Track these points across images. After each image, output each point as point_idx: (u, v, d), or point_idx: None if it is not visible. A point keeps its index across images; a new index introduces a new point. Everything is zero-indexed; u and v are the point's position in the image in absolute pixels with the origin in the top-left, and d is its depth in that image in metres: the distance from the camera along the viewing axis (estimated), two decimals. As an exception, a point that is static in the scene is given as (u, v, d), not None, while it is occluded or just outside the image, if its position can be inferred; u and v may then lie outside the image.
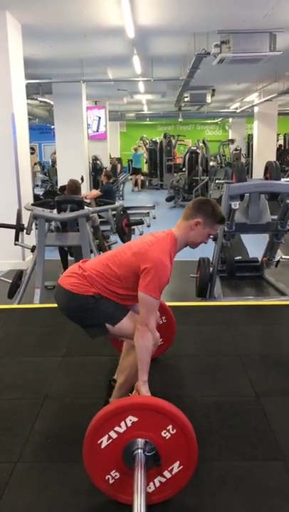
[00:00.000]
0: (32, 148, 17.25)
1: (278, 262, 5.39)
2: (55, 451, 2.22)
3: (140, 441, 1.80)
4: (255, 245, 6.13)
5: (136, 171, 17.93)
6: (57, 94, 11.12)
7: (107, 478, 1.85)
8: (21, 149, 6.38)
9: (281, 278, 5.41)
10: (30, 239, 5.71)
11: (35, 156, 20.11)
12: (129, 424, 1.79)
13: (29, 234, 5.05)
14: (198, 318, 3.86)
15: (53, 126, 14.12)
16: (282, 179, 4.77)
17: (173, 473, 1.83)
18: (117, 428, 1.79)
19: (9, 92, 6.04)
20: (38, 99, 11.43)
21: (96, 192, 9.24)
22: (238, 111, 17.66)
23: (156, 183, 17.83)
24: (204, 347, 3.34)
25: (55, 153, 13.96)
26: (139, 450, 1.79)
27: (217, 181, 12.18)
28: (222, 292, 4.95)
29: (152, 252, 2.16)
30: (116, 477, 1.84)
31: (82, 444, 2.25)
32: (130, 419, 1.79)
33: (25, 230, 4.98)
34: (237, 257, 5.43)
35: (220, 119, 22.50)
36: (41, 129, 21.65)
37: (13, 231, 4.93)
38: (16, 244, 5.00)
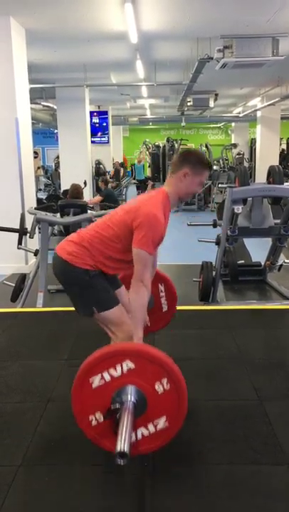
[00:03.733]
0: (35, 153, 17.30)
1: (281, 266, 5.39)
2: (58, 454, 2.22)
3: (132, 389, 1.78)
4: (257, 249, 6.13)
5: (140, 183, 17.19)
6: (60, 99, 11.17)
7: (90, 418, 1.82)
8: (25, 153, 6.40)
9: (284, 282, 5.40)
10: (33, 243, 5.72)
11: (38, 160, 20.17)
12: (125, 369, 1.77)
13: (32, 238, 5.06)
14: (200, 322, 3.86)
15: (56, 131, 14.17)
16: (285, 183, 4.76)
17: (157, 428, 1.81)
18: (111, 370, 1.78)
19: (13, 96, 6.07)
20: (42, 103, 11.49)
21: (98, 198, 9.32)
22: (240, 115, 17.67)
23: (159, 187, 17.76)
24: (206, 351, 3.34)
25: (58, 157, 14.00)
26: (129, 397, 1.77)
27: (220, 185, 12.16)
28: (225, 296, 4.95)
29: (144, 208, 2.18)
30: (99, 420, 1.81)
31: (85, 448, 2.25)
32: (127, 365, 1.77)
33: (28, 234, 4.99)
34: (240, 261, 5.44)
35: (223, 124, 22.53)
36: (44, 133, 21.72)
37: (17, 235, 4.94)
38: (19, 248, 5.01)
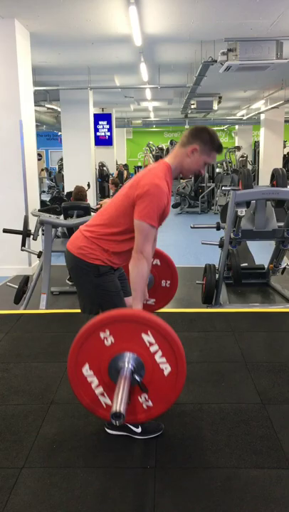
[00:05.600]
0: (39, 155, 17.34)
1: (284, 269, 5.38)
2: (61, 456, 2.22)
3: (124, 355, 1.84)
4: (261, 252, 6.13)
5: None
6: (64, 101, 11.20)
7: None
8: (29, 155, 6.42)
9: (287, 285, 5.39)
10: (37, 245, 5.74)
11: (42, 162, 20.21)
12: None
13: (36, 240, 5.07)
14: (203, 324, 3.85)
15: (60, 133, 14.20)
16: (289, 186, 4.76)
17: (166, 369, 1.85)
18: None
19: (17, 99, 6.09)
20: (46, 105, 11.52)
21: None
22: (244, 118, 17.69)
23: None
24: (209, 354, 3.34)
25: (61, 159, 14.02)
26: (124, 365, 1.82)
27: (223, 188, 12.18)
28: (228, 299, 4.95)
29: (146, 178, 2.12)
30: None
31: (87, 451, 2.26)
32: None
33: (31, 236, 5.00)
34: (243, 264, 5.43)
35: (226, 126, 22.53)
36: (48, 136, 21.79)
37: (20, 237, 4.95)
38: (22, 250, 5.02)
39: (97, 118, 13.92)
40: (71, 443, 2.31)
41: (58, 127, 13.53)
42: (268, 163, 14.13)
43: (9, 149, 6.18)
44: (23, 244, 4.98)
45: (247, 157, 18.77)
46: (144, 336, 1.76)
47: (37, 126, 9.58)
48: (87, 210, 5.03)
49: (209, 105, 11.80)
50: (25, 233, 4.98)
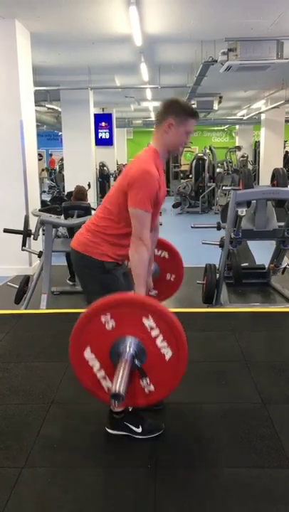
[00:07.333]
0: (39, 155, 17.33)
1: (285, 269, 5.38)
2: (61, 456, 2.22)
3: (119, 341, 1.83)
4: (261, 252, 6.12)
5: None
6: (65, 101, 11.20)
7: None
8: (29, 155, 6.42)
9: (288, 285, 5.39)
10: (37, 244, 5.74)
11: (42, 162, 20.21)
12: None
13: (36, 240, 5.07)
14: (204, 324, 3.85)
15: (60, 133, 14.19)
16: (290, 186, 4.76)
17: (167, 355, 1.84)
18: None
19: (18, 98, 6.09)
20: (46, 106, 11.53)
21: None
22: (245, 118, 17.67)
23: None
24: (210, 353, 3.34)
25: (62, 159, 14.01)
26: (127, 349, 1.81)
27: (224, 188, 12.18)
28: (228, 299, 4.94)
29: (135, 167, 2.15)
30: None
31: (88, 451, 2.26)
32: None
33: (32, 236, 5.00)
34: (244, 264, 5.43)
35: (227, 126, 22.53)
36: (49, 136, 21.78)
37: (21, 237, 4.95)
38: (23, 250, 5.02)
39: (98, 118, 13.92)
40: (72, 443, 2.31)
41: (59, 127, 13.53)
42: (269, 163, 14.12)
43: (10, 149, 6.19)
44: (24, 244, 4.98)
45: (247, 157, 18.75)
46: (144, 320, 1.75)
47: (37, 126, 9.57)
48: (87, 210, 5.03)
49: (210, 105, 11.80)
50: (26, 233, 4.98)
